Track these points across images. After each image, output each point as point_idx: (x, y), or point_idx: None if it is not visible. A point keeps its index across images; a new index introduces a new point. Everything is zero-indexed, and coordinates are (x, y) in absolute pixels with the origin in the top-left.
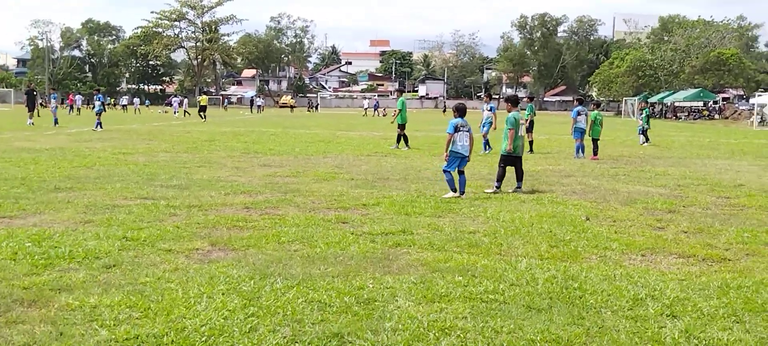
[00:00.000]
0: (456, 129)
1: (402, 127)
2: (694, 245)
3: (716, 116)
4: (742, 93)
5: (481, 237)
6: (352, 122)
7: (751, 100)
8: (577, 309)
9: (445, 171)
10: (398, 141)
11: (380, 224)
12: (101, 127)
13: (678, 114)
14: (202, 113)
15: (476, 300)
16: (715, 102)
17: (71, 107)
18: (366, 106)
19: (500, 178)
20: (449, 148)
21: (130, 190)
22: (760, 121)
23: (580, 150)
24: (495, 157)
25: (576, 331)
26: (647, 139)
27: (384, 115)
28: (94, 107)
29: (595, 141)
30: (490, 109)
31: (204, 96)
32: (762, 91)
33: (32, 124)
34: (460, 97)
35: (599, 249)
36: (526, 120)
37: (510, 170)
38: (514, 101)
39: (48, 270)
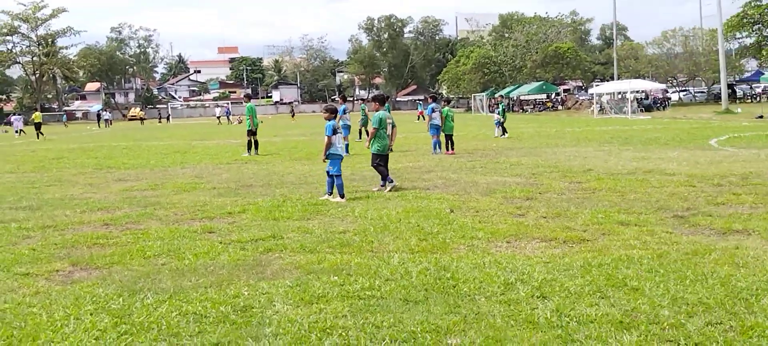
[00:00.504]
0: (334, 131)
1: (251, 133)
2: (554, 229)
3: (559, 107)
4: (580, 84)
5: (352, 236)
6: (207, 131)
7: (590, 91)
8: (453, 298)
9: (334, 175)
10: (249, 148)
11: (249, 231)
12: None
13: (524, 107)
14: (38, 132)
15: (354, 298)
16: (557, 93)
17: None
18: (218, 114)
19: (384, 176)
20: (328, 151)
21: None
22: (600, 110)
23: (437, 146)
24: (354, 159)
25: (454, 319)
26: (505, 132)
27: (239, 123)
28: None
29: (449, 137)
30: (343, 112)
31: (37, 113)
32: (599, 82)
33: None
34: (314, 101)
35: (466, 239)
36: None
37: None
38: (381, 100)
39: None
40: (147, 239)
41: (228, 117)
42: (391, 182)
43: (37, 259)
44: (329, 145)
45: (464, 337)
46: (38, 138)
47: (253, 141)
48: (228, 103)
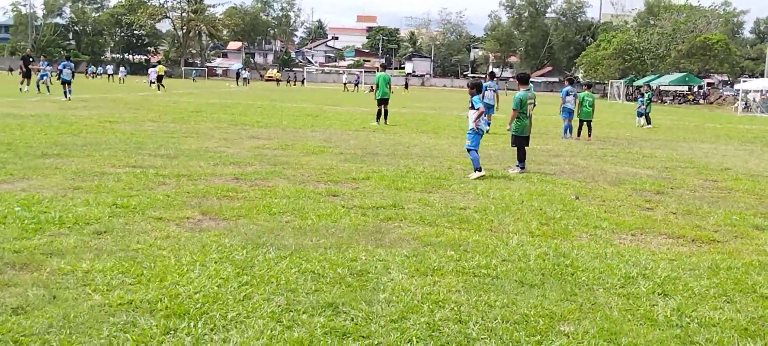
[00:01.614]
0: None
1: (381, 102)
2: (684, 226)
3: (701, 101)
4: (726, 79)
5: (472, 213)
6: (339, 97)
7: (736, 86)
8: (570, 286)
9: (470, 149)
10: (378, 117)
11: (371, 198)
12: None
13: (663, 98)
14: (159, 83)
15: (469, 274)
16: (700, 87)
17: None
18: (346, 81)
19: (520, 158)
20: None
21: (118, 158)
22: (745, 107)
23: (567, 130)
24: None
25: (569, 307)
26: (649, 122)
27: (370, 91)
28: (59, 75)
29: (586, 123)
30: (492, 90)
31: (160, 66)
32: (747, 77)
33: (27, 90)
34: (446, 76)
35: (589, 228)
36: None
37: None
38: (523, 80)
39: (38, 235)
40: (274, 196)
41: (356, 85)
42: (522, 167)
43: (170, 205)
44: (479, 116)
45: (578, 326)
46: (159, 89)
47: (382, 110)
48: (359, 71)
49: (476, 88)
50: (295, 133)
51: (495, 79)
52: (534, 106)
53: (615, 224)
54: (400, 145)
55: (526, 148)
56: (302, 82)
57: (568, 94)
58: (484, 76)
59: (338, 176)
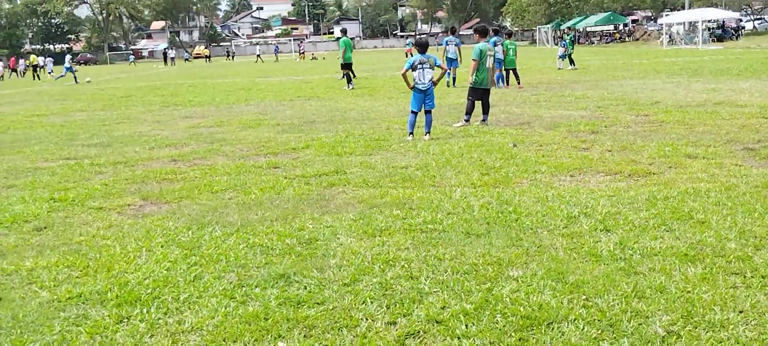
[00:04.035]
0: (413, 67)
1: (345, 66)
2: (620, 162)
3: (627, 39)
4: (650, 14)
5: (414, 171)
6: (270, 69)
7: (659, 21)
8: (515, 231)
9: (411, 112)
10: (349, 81)
11: (312, 166)
12: None
13: (591, 39)
14: (35, 72)
15: (416, 231)
16: (625, 25)
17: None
18: (257, 52)
19: (469, 111)
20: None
21: (51, 151)
22: (669, 40)
23: (500, 80)
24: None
25: (516, 252)
26: (572, 63)
27: (313, 59)
28: None
29: (512, 70)
30: (454, 44)
31: (33, 56)
32: (669, 12)
33: None
34: (376, 37)
35: (529, 173)
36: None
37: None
38: (482, 32)
39: None
40: (214, 174)
41: (276, 54)
42: (467, 121)
43: (109, 194)
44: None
45: (526, 269)
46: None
47: (349, 74)
48: (276, 41)
49: (423, 47)
50: (229, 108)
51: (456, 33)
52: (493, 57)
53: (553, 167)
54: (336, 111)
55: (489, 99)
56: (232, 56)
57: (495, 44)
58: (414, 33)
59: (277, 147)
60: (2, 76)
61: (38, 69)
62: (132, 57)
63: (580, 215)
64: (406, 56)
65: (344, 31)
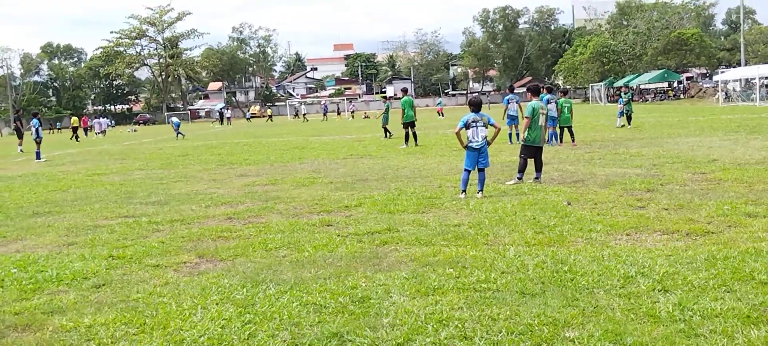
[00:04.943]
0: (467, 125)
1: (407, 125)
2: (677, 221)
3: (682, 96)
4: (704, 71)
5: (467, 229)
6: (322, 127)
7: (715, 78)
8: (570, 291)
9: (464, 170)
10: (406, 140)
11: (365, 224)
12: (39, 157)
13: (645, 96)
14: (74, 134)
15: (470, 290)
16: (680, 82)
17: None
18: (305, 111)
19: (521, 169)
20: (464, 145)
21: (110, 209)
22: (725, 97)
23: (553, 138)
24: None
25: (572, 312)
26: (630, 121)
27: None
28: (32, 134)
29: (567, 128)
30: (515, 102)
31: (74, 118)
32: (724, 68)
33: (22, 151)
34: (427, 95)
35: (584, 232)
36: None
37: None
38: (534, 91)
39: (37, 294)
40: (268, 232)
41: (324, 113)
42: (520, 179)
43: (166, 251)
44: (459, 137)
45: (582, 330)
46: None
47: (410, 133)
48: (325, 100)
49: (477, 106)
50: (284, 167)
51: (514, 91)
52: (546, 116)
53: (609, 226)
54: (389, 169)
55: (542, 157)
56: (300, 115)
57: (548, 102)
58: (465, 91)
59: (330, 205)
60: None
61: (78, 130)
62: (132, 128)
63: (637, 275)
64: (438, 114)
65: (405, 90)
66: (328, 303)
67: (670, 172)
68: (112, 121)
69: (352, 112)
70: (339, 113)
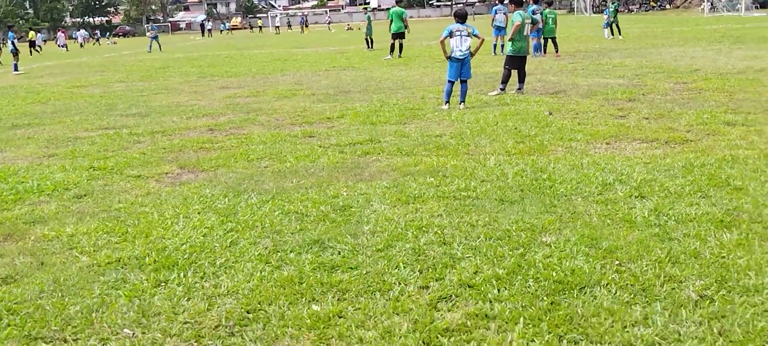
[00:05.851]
0: (451, 34)
1: (396, 36)
2: (656, 130)
3: (667, 6)
4: None
5: (448, 140)
6: (305, 39)
7: None
8: (549, 198)
9: (447, 81)
10: (391, 50)
11: (347, 135)
12: (17, 70)
13: (630, 7)
14: (33, 48)
15: (449, 199)
16: None
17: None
18: (277, 23)
19: (505, 80)
20: (448, 55)
21: (90, 121)
22: (711, 8)
23: (537, 49)
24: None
25: (549, 218)
26: (619, 32)
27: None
28: (8, 46)
29: (551, 39)
30: (502, 13)
31: (31, 32)
32: None
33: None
34: (411, 6)
35: (564, 141)
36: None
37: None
38: (517, 2)
39: (18, 205)
40: (250, 143)
41: (302, 26)
42: (502, 90)
43: (148, 162)
44: (443, 46)
45: (559, 235)
46: (31, 54)
47: (396, 44)
48: (302, 12)
49: (462, 17)
50: (265, 79)
51: (503, 2)
52: (529, 26)
53: (589, 135)
54: (372, 81)
55: (525, 68)
56: (287, 25)
57: (534, 13)
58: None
59: (312, 116)
60: (66, 45)
61: (36, 45)
62: (104, 35)
63: (614, 182)
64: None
65: (399, 1)
66: (310, 212)
67: (652, 82)
68: (97, 33)
69: (329, 23)
70: (306, 27)
